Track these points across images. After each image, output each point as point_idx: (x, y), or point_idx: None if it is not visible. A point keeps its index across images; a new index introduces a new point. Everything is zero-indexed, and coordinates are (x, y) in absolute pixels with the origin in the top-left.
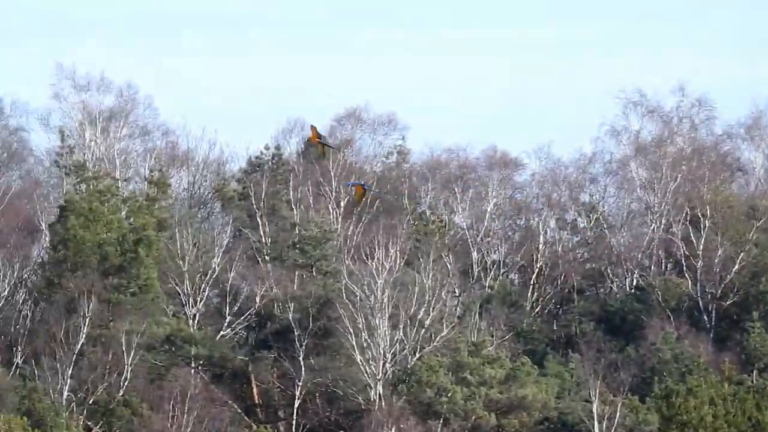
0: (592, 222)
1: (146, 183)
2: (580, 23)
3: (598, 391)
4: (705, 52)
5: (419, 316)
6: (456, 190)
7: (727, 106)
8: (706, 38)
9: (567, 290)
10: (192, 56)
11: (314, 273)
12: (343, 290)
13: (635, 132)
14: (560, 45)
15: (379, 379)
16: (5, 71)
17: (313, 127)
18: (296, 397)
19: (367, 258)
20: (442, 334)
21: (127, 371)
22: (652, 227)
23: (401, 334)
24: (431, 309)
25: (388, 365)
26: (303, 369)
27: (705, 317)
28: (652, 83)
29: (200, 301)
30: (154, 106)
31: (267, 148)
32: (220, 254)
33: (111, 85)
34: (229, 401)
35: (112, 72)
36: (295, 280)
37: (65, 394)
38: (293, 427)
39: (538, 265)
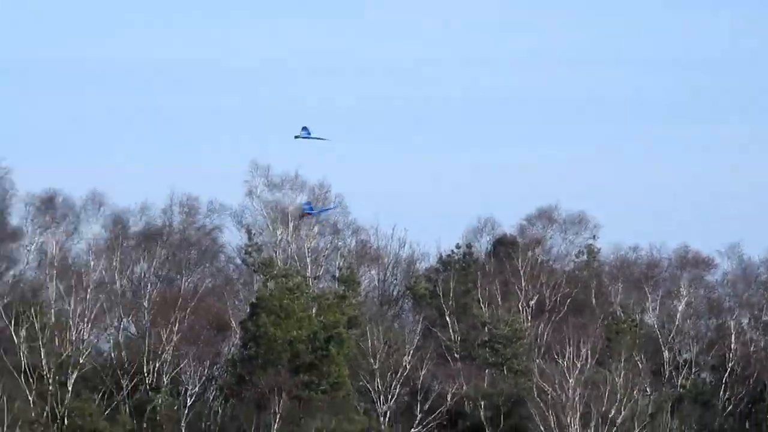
0: None
1: (336, 281)
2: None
3: None
4: None
5: (611, 415)
6: (646, 289)
7: None
8: None
9: (759, 389)
10: (383, 155)
11: (505, 371)
12: (535, 388)
13: None
14: (742, 143)
15: None
16: (205, 172)
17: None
18: None
19: (558, 356)
20: None
21: None
22: None
23: None
24: (623, 408)
25: None
26: None
27: None
28: None
29: (391, 399)
30: (345, 204)
31: (458, 246)
32: (411, 352)
33: (304, 184)
34: None
35: (305, 171)
36: (486, 379)
37: None
38: None
39: (731, 365)
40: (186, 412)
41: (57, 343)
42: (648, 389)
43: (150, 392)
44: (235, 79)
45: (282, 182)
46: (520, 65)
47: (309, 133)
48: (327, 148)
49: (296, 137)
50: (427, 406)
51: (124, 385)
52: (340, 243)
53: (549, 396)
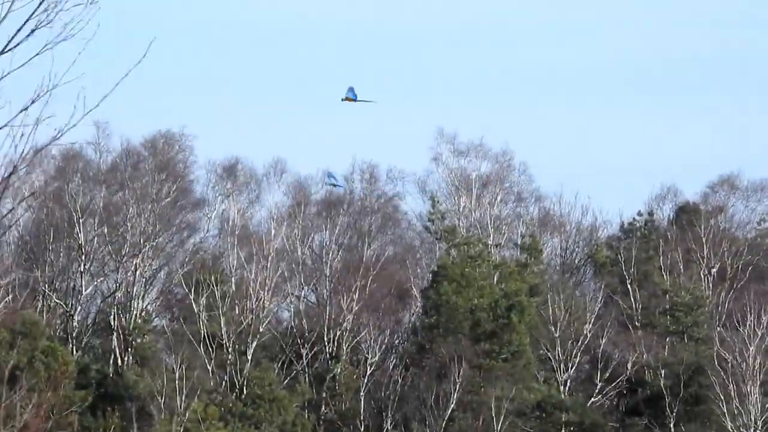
0: None
1: (519, 249)
2: None
3: None
4: None
5: None
6: None
7: None
8: None
9: None
10: (568, 122)
11: (686, 339)
12: (715, 357)
13: None
14: None
15: None
16: (387, 138)
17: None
18: None
19: (739, 325)
20: None
21: None
22: None
23: None
24: None
25: None
26: None
27: None
28: None
29: (572, 367)
30: (528, 172)
31: (639, 214)
32: (592, 320)
33: (489, 152)
34: None
35: (490, 138)
36: (666, 347)
37: None
38: None
39: None
40: (365, 381)
41: (237, 312)
42: None
43: (330, 361)
44: (414, 43)
45: (468, 150)
46: (705, 28)
47: (355, 96)
48: (512, 115)
49: (343, 100)
50: (607, 374)
51: (304, 354)
52: (522, 211)
53: (729, 364)
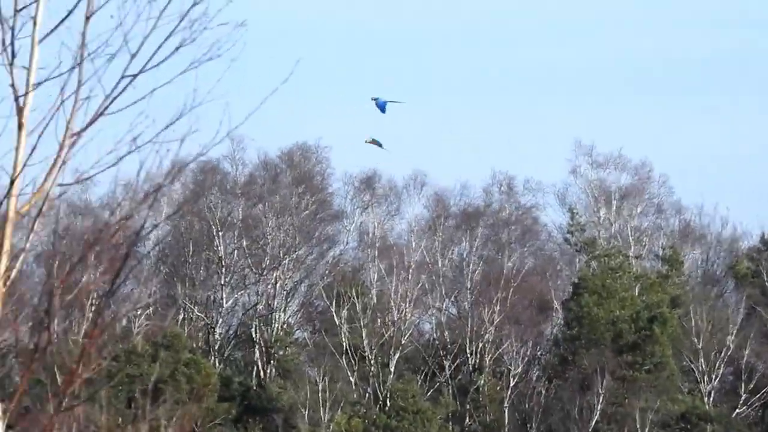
0: None
1: (659, 260)
2: None
3: None
4: None
5: None
6: None
7: None
8: None
9: None
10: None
11: None
12: None
13: None
14: None
15: None
16: (522, 151)
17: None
18: None
19: None
20: None
21: None
22: None
23: None
24: None
25: None
26: None
27: None
28: None
29: (715, 379)
30: (668, 184)
31: None
32: (735, 332)
33: (627, 164)
34: None
35: (629, 150)
36: None
37: None
38: None
39: None
40: (509, 392)
41: (378, 324)
42: None
43: (473, 373)
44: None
45: (606, 162)
46: None
47: (383, 101)
48: (649, 124)
49: (373, 99)
50: (751, 385)
51: (447, 366)
52: (662, 222)
53: None
